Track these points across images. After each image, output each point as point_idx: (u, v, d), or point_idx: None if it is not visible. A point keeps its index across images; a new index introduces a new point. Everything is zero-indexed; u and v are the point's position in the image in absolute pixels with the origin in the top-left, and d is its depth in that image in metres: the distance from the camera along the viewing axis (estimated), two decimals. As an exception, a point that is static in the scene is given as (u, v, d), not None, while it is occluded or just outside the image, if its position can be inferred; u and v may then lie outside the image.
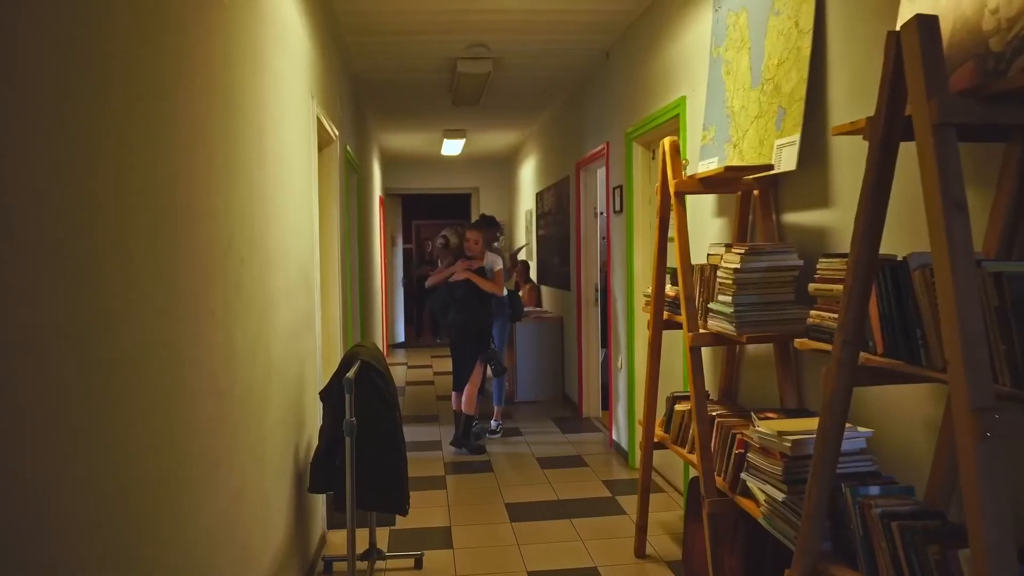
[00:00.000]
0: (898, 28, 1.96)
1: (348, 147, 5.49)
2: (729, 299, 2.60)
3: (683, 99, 3.95)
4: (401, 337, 12.63)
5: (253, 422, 2.38)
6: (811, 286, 2.15)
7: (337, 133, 4.73)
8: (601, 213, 6.51)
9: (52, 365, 1.14)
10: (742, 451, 2.59)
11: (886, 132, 1.66)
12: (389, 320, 11.55)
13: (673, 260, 3.19)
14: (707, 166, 3.38)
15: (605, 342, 6.18)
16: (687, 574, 3.37)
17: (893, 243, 2.13)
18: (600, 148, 5.77)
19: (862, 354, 1.84)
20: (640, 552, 3.61)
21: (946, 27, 1.85)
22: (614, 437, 5.59)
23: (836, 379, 1.81)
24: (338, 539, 3.87)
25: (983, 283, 1.47)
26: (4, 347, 1.01)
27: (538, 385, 7.54)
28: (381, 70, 6.07)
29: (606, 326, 5.99)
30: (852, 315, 1.77)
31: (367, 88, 6.68)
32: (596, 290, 6.47)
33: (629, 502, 4.34)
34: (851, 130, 1.89)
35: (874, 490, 1.95)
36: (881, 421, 2.30)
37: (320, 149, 4.48)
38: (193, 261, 1.79)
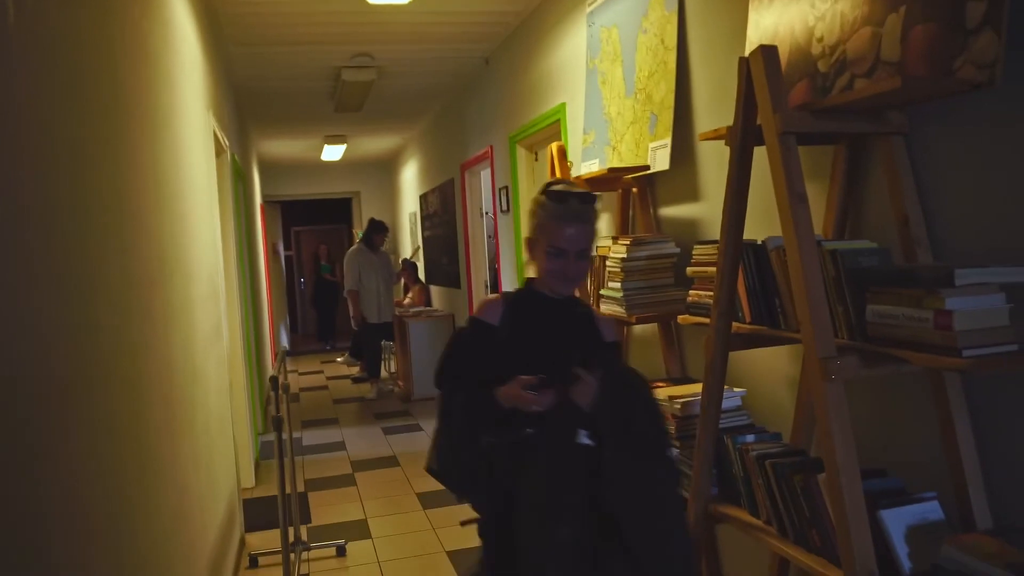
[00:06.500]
0: (746, 52, 2.35)
1: (235, 156, 5.51)
2: (619, 285, 2.94)
3: (563, 105, 4.29)
4: (286, 344, 12.49)
5: (187, 426, 2.50)
6: (689, 269, 2.51)
7: (227, 142, 4.78)
8: (487, 213, 6.79)
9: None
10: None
11: (743, 139, 2.01)
12: (275, 329, 11.40)
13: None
14: (589, 167, 3.72)
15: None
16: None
17: (755, 229, 2.52)
18: (484, 151, 6.06)
19: (734, 324, 2.20)
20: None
21: (784, 50, 2.24)
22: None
23: (715, 346, 2.17)
24: (254, 540, 3.97)
25: (823, 259, 1.84)
26: None
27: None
28: (264, 79, 6.10)
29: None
30: (725, 291, 2.12)
31: (247, 96, 6.67)
32: (486, 287, 6.76)
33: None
34: (714, 136, 2.25)
35: (750, 438, 2.32)
36: (753, 382, 2.69)
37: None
38: (141, 276, 1.93)
